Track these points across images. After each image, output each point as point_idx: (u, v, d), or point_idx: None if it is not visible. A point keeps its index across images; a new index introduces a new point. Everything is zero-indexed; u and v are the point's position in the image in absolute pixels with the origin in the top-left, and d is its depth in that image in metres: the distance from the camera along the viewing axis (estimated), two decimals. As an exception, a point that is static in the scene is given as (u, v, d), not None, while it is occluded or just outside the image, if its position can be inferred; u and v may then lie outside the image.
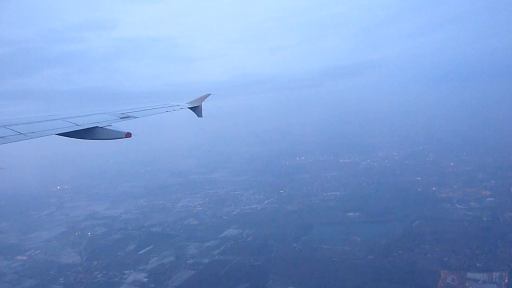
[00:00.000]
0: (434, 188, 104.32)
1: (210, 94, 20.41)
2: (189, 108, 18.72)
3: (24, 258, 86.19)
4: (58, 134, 10.11)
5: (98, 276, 72.88)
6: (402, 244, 71.70)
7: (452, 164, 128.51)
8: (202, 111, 19.50)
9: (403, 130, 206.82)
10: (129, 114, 13.57)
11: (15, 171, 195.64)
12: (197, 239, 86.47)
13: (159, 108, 16.11)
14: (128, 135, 10.80)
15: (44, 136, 9.45)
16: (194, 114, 19.46)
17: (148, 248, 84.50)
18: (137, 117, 13.61)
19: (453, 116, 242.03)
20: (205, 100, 20.03)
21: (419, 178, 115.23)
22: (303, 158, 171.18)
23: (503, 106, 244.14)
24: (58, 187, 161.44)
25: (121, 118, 12.89)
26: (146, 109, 15.19)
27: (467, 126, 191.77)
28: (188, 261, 75.03)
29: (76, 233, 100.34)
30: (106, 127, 11.19)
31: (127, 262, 78.31)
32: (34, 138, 9.10)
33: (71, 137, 10.59)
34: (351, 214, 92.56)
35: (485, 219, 78.89)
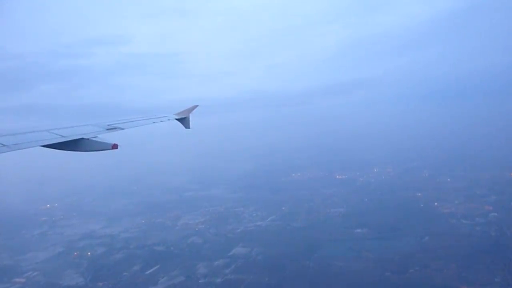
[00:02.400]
0: (436, 203, 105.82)
1: (197, 105, 20.33)
2: (176, 119, 18.55)
3: (23, 280, 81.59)
4: (43, 146, 9.89)
5: (107, 298, 69.81)
6: (416, 260, 71.91)
7: (449, 180, 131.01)
8: (190, 122, 19.29)
9: (395, 146, 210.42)
10: (116, 126, 13.42)
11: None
12: (204, 258, 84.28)
13: (146, 119, 16.03)
14: (115, 146, 10.69)
15: (28, 147, 9.16)
16: (182, 126, 19.17)
17: (155, 267, 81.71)
18: (124, 129, 13.48)
19: (444, 133, 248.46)
20: (192, 112, 19.77)
21: (420, 194, 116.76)
22: (299, 174, 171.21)
23: (493, 123, 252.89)
24: (48, 205, 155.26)
25: (107, 129, 12.75)
26: (133, 121, 15.07)
27: (459, 142, 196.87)
28: (200, 281, 73.01)
29: (75, 253, 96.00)
30: (92, 138, 11.04)
31: (135, 282, 75.52)
32: (18, 150, 8.77)
33: (56, 148, 10.40)
34: (359, 230, 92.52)
35: (493, 234, 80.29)
